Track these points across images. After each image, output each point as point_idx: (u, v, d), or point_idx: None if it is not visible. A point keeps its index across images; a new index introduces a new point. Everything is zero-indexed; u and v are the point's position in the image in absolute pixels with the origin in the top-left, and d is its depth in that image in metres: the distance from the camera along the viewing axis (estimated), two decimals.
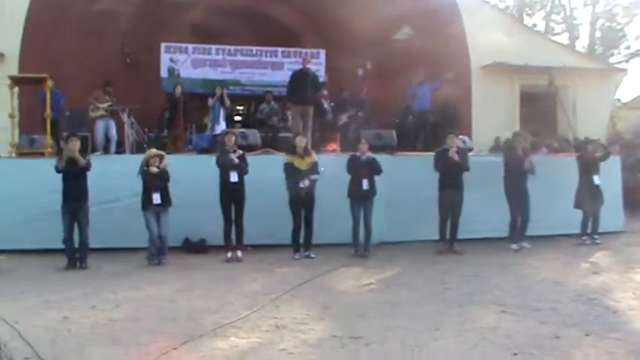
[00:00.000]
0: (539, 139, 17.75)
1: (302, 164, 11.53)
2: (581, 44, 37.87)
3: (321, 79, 15.67)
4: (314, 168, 11.59)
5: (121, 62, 19.52)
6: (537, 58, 19.13)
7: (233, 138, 11.77)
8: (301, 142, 11.74)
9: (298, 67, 16.21)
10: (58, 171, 10.76)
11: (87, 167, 10.87)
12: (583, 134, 18.30)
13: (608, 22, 37.22)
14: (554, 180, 13.14)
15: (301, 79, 14.65)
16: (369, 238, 11.74)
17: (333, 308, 7.99)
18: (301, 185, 11.38)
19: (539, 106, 19.93)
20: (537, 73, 18.85)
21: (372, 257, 11.53)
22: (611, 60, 35.54)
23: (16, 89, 13.89)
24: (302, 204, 11.52)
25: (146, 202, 11.08)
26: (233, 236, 11.48)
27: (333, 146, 15.96)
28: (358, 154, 11.92)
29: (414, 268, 10.63)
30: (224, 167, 11.34)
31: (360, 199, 11.72)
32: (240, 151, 11.63)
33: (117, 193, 12.09)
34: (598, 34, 37.30)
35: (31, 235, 11.69)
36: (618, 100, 29.68)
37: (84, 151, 11.63)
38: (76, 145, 10.96)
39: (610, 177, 13.70)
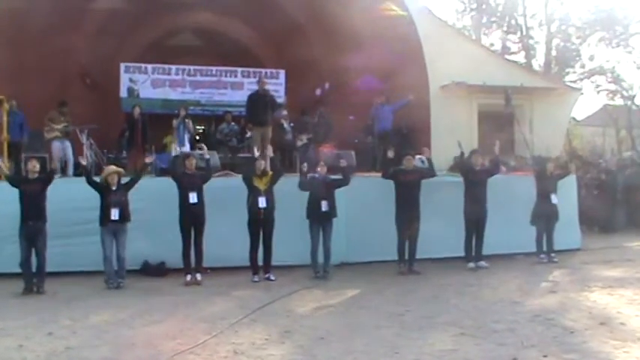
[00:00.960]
0: (498, 157, 17.96)
1: (260, 184, 11.51)
2: (538, 63, 38.38)
3: (280, 100, 15.74)
4: (272, 186, 11.60)
5: (81, 82, 19.38)
6: (495, 77, 19.37)
7: (194, 161, 11.72)
8: (260, 164, 11.76)
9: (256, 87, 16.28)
10: (10, 181, 10.81)
11: (51, 176, 11.06)
12: (540, 152, 18.60)
13: (563, 42, 37.78)
14: (511, 198, 13.25)
15: (258, 100, 14.73)
16: (328, 260, 11.74)
17: (293, 332, 7.98)
18: (260, 205, 11.35)
19: (497, 125, 20.16)
20: (495, 93, 19.04)
21: (332, 279, 11.54)
22: (567, 78, 36.07)
23: None
24: (261, 225, 11.48)
25: (104, 218, 10.98)
26: (192, 259, 11.37)
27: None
28: (317, 175, 11.93)
29: (374, 289, 10.64)
30: (183, 188, 11.29)
31: (319, 221, 11.72)
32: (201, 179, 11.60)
33: (75, 215, 11.87)
34: (554, 53, 37.83)
35: None
36: (574, 118, 30.16)
37: (43, 172, 11.49)
38: (35, 166, 10.89)
39: (567, 194, 13.83)
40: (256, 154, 13.07)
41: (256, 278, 11.46)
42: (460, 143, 13.69)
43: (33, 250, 10.66)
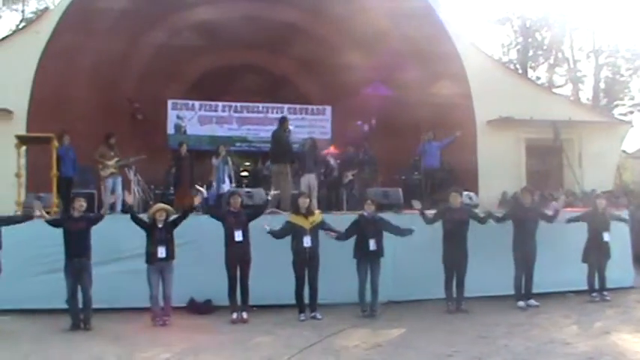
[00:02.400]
0: (548, 194, 17.76)
1: (305, 223, 11.47)
2: (585, 96, 38.07)
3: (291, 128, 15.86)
4: (319, 227, 11.53)
5: (128, 118, 19.65)
6: (542, 111, 19.29)
7: (239, 200, 11.71)
8: (304, 202, 11.68)
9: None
10: (50, 224, 10.89)
11: (100, 217, 11.10)
12: (590, 187, 18.35)
13: (612, 74, 37.42)
14: (561, 235, 12.96)
15: (278, 138, 14.92)
16: (375, 299, 11.58)
17: None
18: (305, 244, 11.31)
19: (546, 160, 19.97)
20: (542, 127, 18.89)
21: (380, 317, 11.37)
22: (616, 111, 35.70)
23: (23, 148, 13.96)
24: (306, 263, 11.42)
25: (150, 256, 11.01)
26: (238, 297, 11.35)
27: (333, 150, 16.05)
28: (365, 213, 11.86)
29: (421, 328, 10.51)
30: (228, 226, 11.30)
31: (367, 260, 11.61)
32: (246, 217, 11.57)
33: (122, 252, 11.95)
34: (602, 85, 37.47)
35: (36, 294, 11.54)
36: (624, 151, 29.68)
37: (90, 210, 11.62)
38: (82, 206, 11.00)
39: (618, 231, 13.47)
40: (272, 192, 13.31)
41: (303, 317, 11.36)
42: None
43: (79, 287, 10.72)
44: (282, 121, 15.51)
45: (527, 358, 8.38)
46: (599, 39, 38.38)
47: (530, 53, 38.80)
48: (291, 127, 15.64)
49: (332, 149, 18.78)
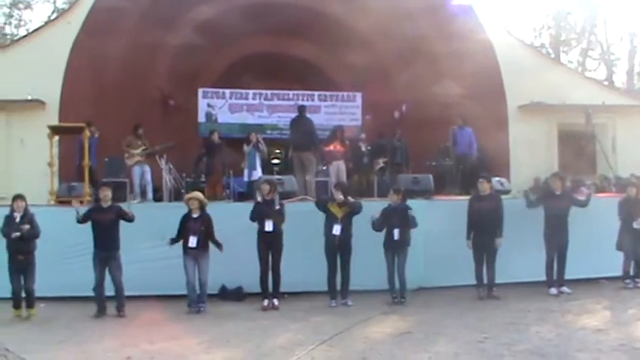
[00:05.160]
0: (580, 178, 17.59)
1: (338, 212, 11.47)
2: (619, 79, 37.60)
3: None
4: (350, 215, 11.51)
5: (159, 107, 19.79)
6: (574, 96, 19.10)
7: (267, 187, 11.58)
8: (337, 194, 11.64)
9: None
10: (78, 221, 10.93)
11: (131, 218, 11.01)
12: (624, 172, 18.15)
13: None
14: (594, 221, 12.80)
15: (297, 125, 15.21)
16: (403, 287, 11.57)
17: (371, 359, 7.92)
18: (334, 232, 11.33)
19: (578, 145, 19.76)
20: (575, 112, 18.72)
21: (410, 304, 11.38)
22: None
23: (56, 138, 14.13)
24: (337, 251, 11.45)
25: (184, 244, 11.09)
26: (270, 284, 11.41)
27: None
28: (391, 203, 11.83)
29: (452, 315, 10.48)
30: (259, 218, 11.34)
31: (393, 249, 11.61)
32: (279, 204, 11.50)
33: (155, 240, 11.99)
34: (637, 68, 36.99)
35: (71, 282, 11.69)
36: None
37: (117, 199, 11.70)
38: (107, 195, 11.08)
39: None
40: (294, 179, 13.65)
41: (334, 303, 11.41)
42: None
43: (108, 276, 10.84)
44: (301, 109, 15.61)
45: (558, 344, 8.33)
46: (633, 21, 37.75)
47: (563, 37, 38.37)
48: (308, 115, 15.76)
49: (362, 136, 18.75)
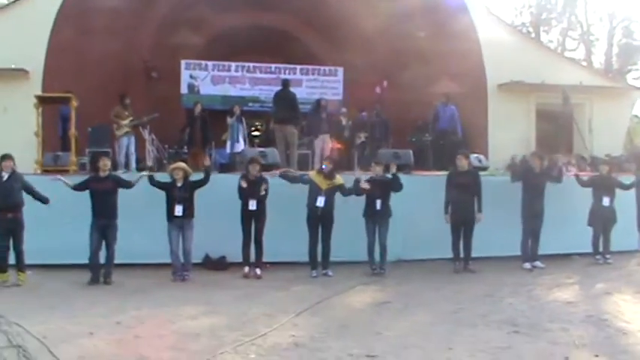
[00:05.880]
0: (556, 157, 17.98)
1: (323, 184, 11.74)
2: (598, 60, 38.00)
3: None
4: (335, 190, 11.78)
5: (142, 78, 19.85)
6: (553, 76, 19.40)
7: (257, 167, 11.85)
8: (328, 168, 11.94)
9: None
10: (76, 189, 11.12)
11: (130, 185, 11.31)
12: (600, 152, 18.54)
13: (625, 38, 37.30)
14: (568, 198, 13.17)
15: (280, 99, 15.48)
16: (384, 257, 11.91)
17: (351, 326, 8.22)
18: (317, 204, 11.61)
19: (556, 124, 20.13)
20: (553, 92, 19.07)
21: (389, 276, 11.69)
22: (629, 76, 35.67)
23: (41, 108, 14.23)
24: (319, 221, 11.74)
25: (169, 213, 11.31)
26: (252, 253, 11.68)
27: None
28: (374, 175, 12.13)
29: (429, 286, 10.82)
30: (245, 197, 11.58)
31: (374, 219, 11.92)
32: (264, 184, 11.72)
33: (141, 209, 12.08)
34: (615, 49, 37.38)
35: (59, 249, 11.81)
36: (636, 115, 29.70)
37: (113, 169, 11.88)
38: (106, 165, 11.30)
39: (624, 195, 13.68)
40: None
41: (314, 273, 11.69)
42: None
43: (102, 244, 11.03)
44: (285, 83, 15.86)
45: (530, 315, 8.68)
46: (613, 3, 38.14)
47: (544, 16, 38.65)
48: (291, 89, 15.99)
49: (343, 110, 18.97)
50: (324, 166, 12.11)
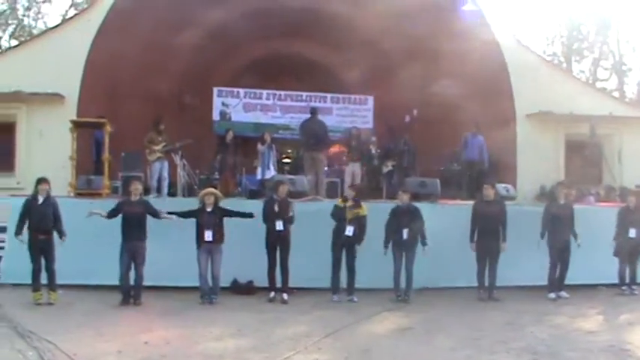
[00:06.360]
0: (586, 188, 18.02)
1: (349, 214, 11.94)
2: (631, 90, 37.84)
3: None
4: (359, 220, 11.97)
5: (175, 105, 20.21)
6: (582, 106, 19.38)
7: (286, 188, 12.20)
8: (350, 194, 12.21)
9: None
10: (110, 217, 11.45)
11: (159, 216, 11.57)
12: (630, 182, 18.48)
13: None
14: (597, 229, 13.19)
15: (309, 126, 15.65)
16: (410, 284, 12.06)
17: (373, 351, 8.38)
18: (347, 233, 11.81)
19: (585, 155, 20.11)
20: (582, 122, 19.09)
21: (414, 302, 11.83)
22: None
23: (76, 133, 14.58)
24: (343, 248, 11.94)
25: (199, 239, 11.55)
26: (278, 278, 11.88)
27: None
28: (400, 203, 12.30)
29: (452, 314, 10.97)
30: (271, 218, 11.81)
31: (401, 248, 12.08)
32: (290, 207, 12.01)
33: (172, 233, 12.28)
34: None
35: (88, 270, 12.17)
36: None
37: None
38: (137, 189, 11.63)
39: None
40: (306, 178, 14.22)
41: (335, 297, 11.89)
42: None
43: (132, 266, 11.32)
44: (313, 111, 16.15)
45: (551, 344, 8.77)
46: None
47: (575, 46, 38.60)
48: (320, 117, 16.26)
49: (373, 139, 19.14)
50: (347, 194, 12.32)
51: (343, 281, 12.12)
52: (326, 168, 16.73)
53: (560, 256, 12.53)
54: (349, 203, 12.03)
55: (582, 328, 9.92)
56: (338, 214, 12.00)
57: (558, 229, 12.53)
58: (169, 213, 11.69)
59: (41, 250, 11.11)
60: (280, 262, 11.86)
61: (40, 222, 11.09)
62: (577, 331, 9.66)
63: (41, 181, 11.25)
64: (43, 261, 11.17)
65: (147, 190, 14.40)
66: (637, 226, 12.91)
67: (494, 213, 12.39)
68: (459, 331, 9.62)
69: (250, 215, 11.82)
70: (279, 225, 11.76)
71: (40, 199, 11.16)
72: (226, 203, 12.35)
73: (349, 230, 11.84)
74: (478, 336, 9.21)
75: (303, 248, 12.03)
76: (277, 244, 11.85)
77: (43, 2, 37.90)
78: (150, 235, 11.51)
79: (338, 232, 11.92)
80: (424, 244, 12.10)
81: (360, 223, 11.98)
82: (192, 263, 11.53)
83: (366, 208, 12.24)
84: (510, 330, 9.68)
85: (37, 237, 11.04)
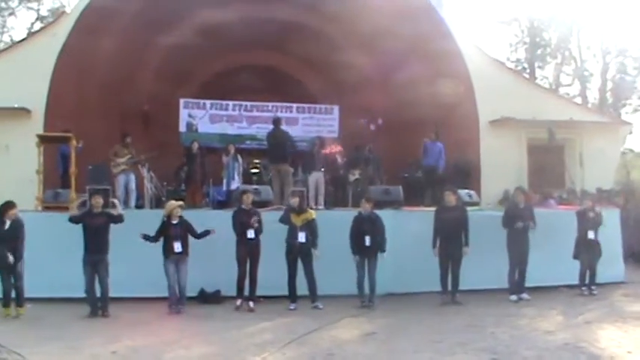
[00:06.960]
0: (547, 191, 18.41)
1: (297, 220, 12.19)
2: (592, 95, 38.45)
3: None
4: (309, 225, 12.22)
5: (140, 117, 20.29)
6: (544, 112, 19.75)
7: (251, 197, 12.45)
8: (295, 202, 12.46)
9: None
10: (71, 220, 11.58)
11: (120, 219, 11.66)
12: (591, 185, 18.88)
13: (620, 74, 37.74)
14: (556, 232, 13.52)
15: (274, 138, 15.85)
16: (373, 291, 12.27)
17: (337, 355, 8.59)
18: (299, 240, 12.05)
19: (547, 159, 20.49)
20: (544, 127, 19.45)
21: (378, 308, 12.03)
22: (623, 110, 36.11)
23: (42, 147, 14.64)
24: (299, 256, 12.17)
25: (167, 250, 11.71)
26: (246, 287, 12.04)
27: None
28: (362, 211, 12.53)
29: (415, 318, 11.19)
30: (241, 227, 11.99)
31: (364, 255, 12.28)
32: (257, 216, 12.20)
33: (136, 245, 12.41)
34: (609, 85, 37.81)
35: (56, 283, 12.24)
36: (631, 150, 30.11)
37: (106, 206, 12.26)
38: (99, 202, 11.73)
39: (609, 228, 14.07)
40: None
41: (292, 306, 12.07)
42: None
43: (96, 278, 11.42)
44: (276, 121, 16.31)
45: (509, 344, 9.04)
46: (607, 38, 38.68)
47: (538, 52, 39.15)
48: (284, 127, 16.54)
49: (338, 148, 19.34)
50: (291, 202, 12.56)
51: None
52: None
53: (519, 259, 12.82)
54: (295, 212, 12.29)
55: (541, 328, 10.20)
56: (287, 220, 12.25)
57: (517, 233, 12.82)
58: (144, 236, 11.76)
59: (9, 269, 11.17)
60: (249, 271, 12.03)
61: (7, 245, 11.13)
62: (536, 331, 9.93)
63: (9, 207, 11.34)
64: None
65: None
66: (594, 228, 13.24)
67: (455, 218, 12.65)
68: (421, 334, 9.85)
69: (207, 233, 11.97)
70: (250, 233, 11.96)
71: (7, 224, 11.25)
72: (193, 214, 12.52)
73: (301, 237, 12.08)
74: (439, 339, 9.43)
75: (270, 257, 12.17)
76: (248, 252, 12.02)
77: (9, 15, 37.84)
78: (115, 247, 11.62)
79: (290, 239, 12.14)
80: (382, 250, 12.31)
81: (311, 228, 12.21)
82: (159, 274, 11.66)
83: (314, 212, 12.60)
84: (471, 332, 9.92)
85: (5, 259, 11.04)
